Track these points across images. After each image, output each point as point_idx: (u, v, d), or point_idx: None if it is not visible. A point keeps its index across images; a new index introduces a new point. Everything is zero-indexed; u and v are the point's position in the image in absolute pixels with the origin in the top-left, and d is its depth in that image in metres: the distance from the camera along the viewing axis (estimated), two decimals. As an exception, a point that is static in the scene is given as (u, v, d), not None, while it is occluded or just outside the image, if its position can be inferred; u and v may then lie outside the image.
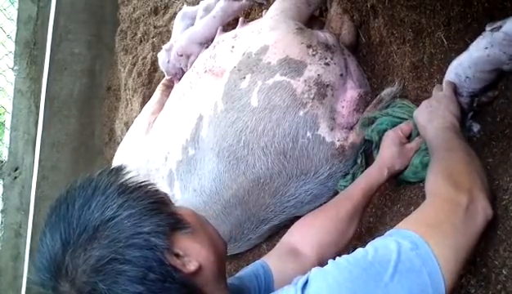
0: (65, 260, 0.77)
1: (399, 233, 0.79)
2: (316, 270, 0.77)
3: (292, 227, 1.19)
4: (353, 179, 1.32)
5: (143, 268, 0.77)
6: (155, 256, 0.78)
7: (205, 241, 0.86)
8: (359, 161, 1.36)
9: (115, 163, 2.03)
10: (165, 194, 0.91)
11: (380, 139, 1.26)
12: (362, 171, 1.30)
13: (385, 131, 1.26)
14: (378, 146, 1.27)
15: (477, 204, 0.83)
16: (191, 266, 0.81)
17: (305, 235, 1.14)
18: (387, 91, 1.33)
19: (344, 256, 0.77)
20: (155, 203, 0.83)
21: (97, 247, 0.77)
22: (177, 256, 0.81)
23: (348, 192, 1.20)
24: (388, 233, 0.81)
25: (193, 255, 0.82)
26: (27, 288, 2.85)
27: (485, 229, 0.83)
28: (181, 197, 1.56)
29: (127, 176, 0.87)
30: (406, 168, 1.21)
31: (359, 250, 0.77)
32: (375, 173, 1.19)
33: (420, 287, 0.72)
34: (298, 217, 1.51)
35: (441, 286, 0.73)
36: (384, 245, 0.76)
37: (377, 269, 0.73)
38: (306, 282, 0.76)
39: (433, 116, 1.10)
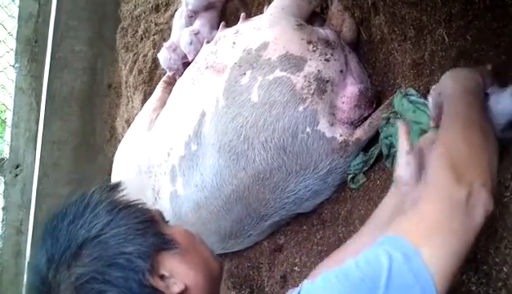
0: (49, 276, 0.78)
1: (392, 241, 0.73)
2: (307, 284, 0.75)
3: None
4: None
5: (123, 288, 0.77)
6: (136, 276, 0.77)
7: (195, 262, 0.85)
8: (363, 157, 1.36)
9: (116, 160, 2.03)
10: (157, 213, 0.90)
11: (389, 153, 1.25)
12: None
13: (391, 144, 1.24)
14: (388, 158, 1.26)
15: (478, 199, 0.77)
16: (176, 288, 0.80)
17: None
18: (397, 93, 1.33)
19: (335, 271, 0.73)
20: (143, 223, 0.83)
21: (80, 265, 0.78)
22: (162, 277, 0.80)
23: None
24: (380, 240, 0.76)
25: (179, 276, 0.82)
26: (28, 286, 2.86)
27: (485, 223, 0.78)
28: (184, 192, 1.56)
29: (119, 194, 0.87)
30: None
31: (350, 262, 0.73)
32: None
33: None
34: (298, 214, 1.52)
35: None
36: (375, 257, 0.71)
37: (368, 286, 0.68)
38: None
39: (455, 79, 0.97)
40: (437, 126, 1.01)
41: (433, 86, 1.09)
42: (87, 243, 0.79)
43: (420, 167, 0.92)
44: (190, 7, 2.05)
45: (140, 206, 0.88)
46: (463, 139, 0.82)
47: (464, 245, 0.73)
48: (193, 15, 2.06)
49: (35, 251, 0.83)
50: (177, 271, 0.82)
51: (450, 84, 0.96)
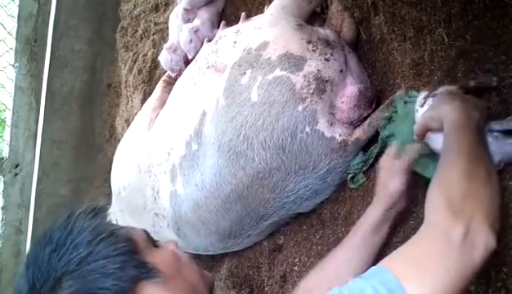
0: None
1: (379, 275, 0.72)
2: None
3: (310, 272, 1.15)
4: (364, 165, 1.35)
5: None
6: None
7: (180, 289, 0.84)
8: (362, 157, 1.36)
9: (116, 160, 2.03)
10: (141, 237, 0.88)
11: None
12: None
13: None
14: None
15: (477, 236, 0.73)
16: None
17: (318, 279, 1.09)
18: (399, 94, 1.33)
19: None
20: (124, 255, 0.82)
21: None
22: None
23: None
24: (369, 272, 0.74)
25: None
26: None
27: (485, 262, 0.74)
28: (183, 192, 1.56)
29: (103, 220, 0.87)
30: None
31: (334, 292, 0.72)
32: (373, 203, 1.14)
33: None
34: (297, 214, 1.52)
35: None
36: (360, 291, 0.70)
37: None
38: None
39: (454, 109, 0.94)
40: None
41: (423, 95, 1.11)
42: (66, 276, 0.78)
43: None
44: (184, 5, 2.05)
45: (123, 234, 0.86)
46: (465, 174, 0.79)
47: (459, 284, 0.70)
48: (188, 10, 2.06)
49: (21, 273, 0.82)
50: None
51: (453, 115, 0.92)
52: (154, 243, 0.91)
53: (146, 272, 0.82)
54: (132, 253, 0.83)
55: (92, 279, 0.78)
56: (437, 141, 1.00)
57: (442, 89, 1.08)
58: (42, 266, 0.80)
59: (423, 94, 1.12)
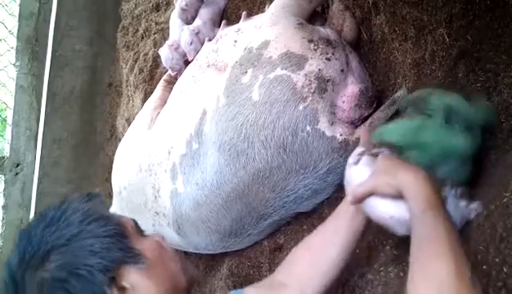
0: (18, 275, 0.82)
1: None
2: None
3: (282, 263, 1.13)
4: None
5: None
6: (95, 288, 0.81)
7: (160, 277, 0.87)
8: None
9: (117, 159, 2.03)
10: (130, 225, 0.93)
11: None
12: None
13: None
14: None
15: None
16: None
17: (290, 270, 1.08)
18: (400, 93, 1.32)
19: None
20: (112, 237, 0.86)
21: (45, 270, 0.81)
22: (123, 289, 0.83)
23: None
24: None
25: (141, 290, 0.84)
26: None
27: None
28: (184, 190, 1.56)
29: (97, 205, 0.91)
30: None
31: None
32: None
33: None
34: (298, 213, 1.52)
35: None
36: None
37: None
38: None
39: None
40: None
41: (358, 150, 1.03)
42: (55, 250, 0.82)
43: None
44: (181, 5, 2.05)
45: (114, 218, 0.90)
46: (454, 274, 0.73)
47: None
48: (185, 10, 2.06)
49: (13, 249, 0.86)
50: (140, 285, 0.84)
51: (420, 189, 0.83)
52: (141, 233, 0.95)
53: (132, 256, 0.86)
54: (121, 237, 0.88)
55: (78, 255, 0.82)
56: (379, 208, 0.91)
57: (384, 150, 0.98)
58: (33, 240, 0.83)
59: (358, 149, 1.03)
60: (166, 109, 1.85)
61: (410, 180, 0.84)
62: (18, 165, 3.08)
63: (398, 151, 0.97)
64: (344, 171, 1.07)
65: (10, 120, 3.07)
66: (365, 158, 0.98)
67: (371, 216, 0.94)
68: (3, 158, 3.07)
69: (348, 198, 0.95)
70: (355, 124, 1.38)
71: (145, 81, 2.59)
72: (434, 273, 0.74)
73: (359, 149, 1.03)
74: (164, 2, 2.68)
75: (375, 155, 0.97)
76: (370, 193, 0.90)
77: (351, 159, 1.02)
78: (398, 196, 0.85)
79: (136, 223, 0.95)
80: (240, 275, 1.71)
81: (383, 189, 0.88)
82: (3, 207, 3.05)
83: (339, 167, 1.37)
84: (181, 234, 1.67)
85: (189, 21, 2.12)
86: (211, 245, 1.66)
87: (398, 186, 0.85)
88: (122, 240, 0.87)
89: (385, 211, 0.90)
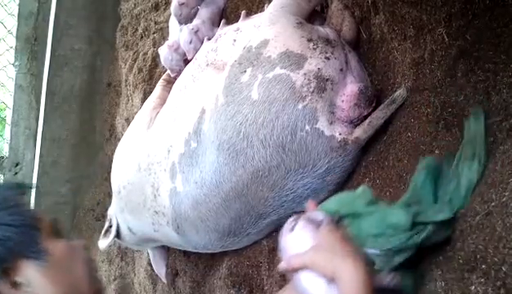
0: None
1: None
2: None
3: None
4: None
5: None
6: None
7: (61, 280, 0.86)
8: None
9: (116, 158, 2.03)
10: (48, 223, 0.90)
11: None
12: None
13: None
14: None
15: None
16: None
17: None
18: (399, 93, 1.32)
19: None
20: (19, 227, 0.83)
21: None
22: (15, 284, 0.81)
23: None
24: None
25: (36, 288, 0.82)
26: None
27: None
28: (183, 189, 1.56)
29: (18, 195, 0.89)
30: None
31: None
32: None
33: None
34: (297, 213, 1.52)
35: None
36: None
37: None
38: None
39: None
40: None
41: (292, 218, 0.97)
42: None
43: None
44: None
45: (30, 212, 0.88)
46: None
47: None
48: (183, 2, 2.05)
49: None
50: (36, 282, 0.82)
51: (357, 282, 0.79)
52: (58, 235, 0.92)
53: (35, 252, 0.83)
54: (30, 229, 0.85)
55: None
56: (310, 284, 0.87)
57: (325, 219, 0.94)
58: None
59: (292, 218, 0.97)
60: (165, 109, 1.85)
61: (347, 273, 0.80)
62: (17, 164, 3.08)
63: (337, 220, 0.96)
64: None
65: (9, 119, 3.07)
66: (300, 223, 0.93)
67: (299, 289, 0.89)
68: (2, 157, 3.08)
69: (282, 264, 0.89)
70: (354, 123, 1.38)
71: (145, 80, 2.59)
72: None
73: (292, 218, 0.97)
74: (164, 2, 2.68)
75: (310, 220, 0.94)
76: (304, 267, 0.85)
77: (286, 226, 0.95)
78: (332, 280, 0.81)
79: (56, 223, 0.92)
80: (239, 275, 1.71)
81: (319, 268, 0.84)
82: (2, 206, 3.05)
83: (338, 167, 1.37)
84: (180, 233, 1.67)
85: (182, 18, 2.11)
86: (210, 244, 1.66)
87: (334, 273, 0.81)
88: (30, 232, 0.85)
89: (315, 290, 0.86)
